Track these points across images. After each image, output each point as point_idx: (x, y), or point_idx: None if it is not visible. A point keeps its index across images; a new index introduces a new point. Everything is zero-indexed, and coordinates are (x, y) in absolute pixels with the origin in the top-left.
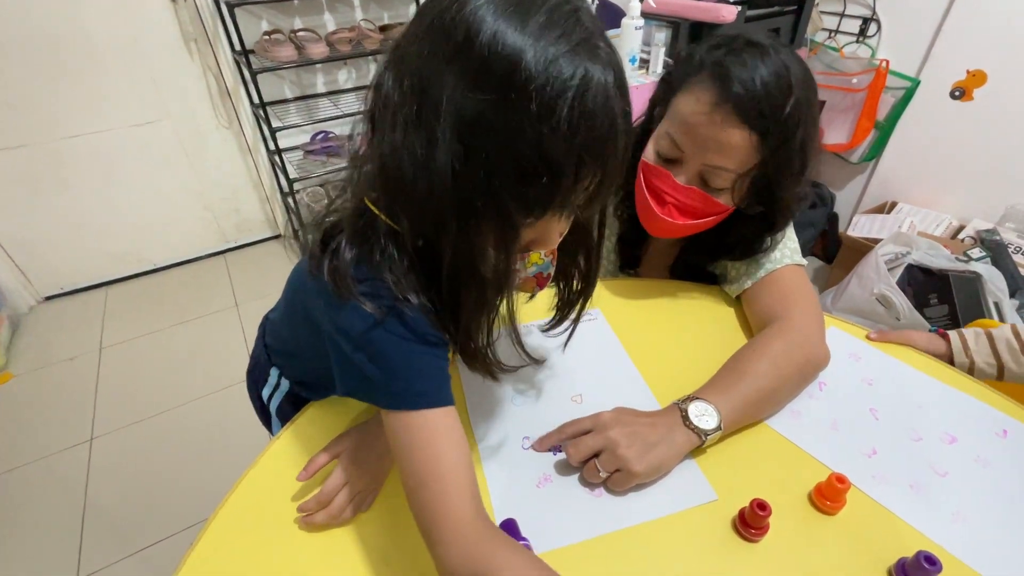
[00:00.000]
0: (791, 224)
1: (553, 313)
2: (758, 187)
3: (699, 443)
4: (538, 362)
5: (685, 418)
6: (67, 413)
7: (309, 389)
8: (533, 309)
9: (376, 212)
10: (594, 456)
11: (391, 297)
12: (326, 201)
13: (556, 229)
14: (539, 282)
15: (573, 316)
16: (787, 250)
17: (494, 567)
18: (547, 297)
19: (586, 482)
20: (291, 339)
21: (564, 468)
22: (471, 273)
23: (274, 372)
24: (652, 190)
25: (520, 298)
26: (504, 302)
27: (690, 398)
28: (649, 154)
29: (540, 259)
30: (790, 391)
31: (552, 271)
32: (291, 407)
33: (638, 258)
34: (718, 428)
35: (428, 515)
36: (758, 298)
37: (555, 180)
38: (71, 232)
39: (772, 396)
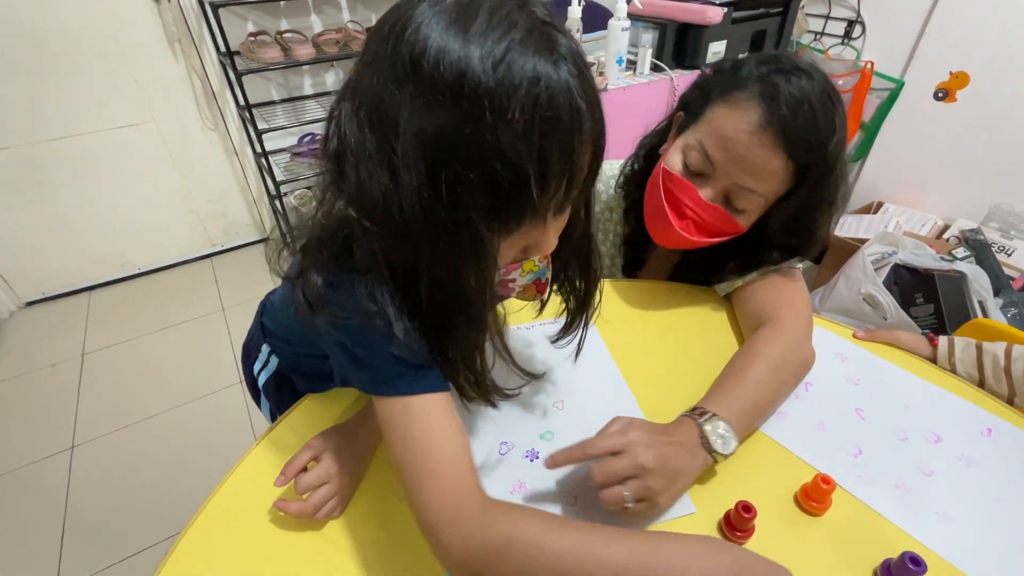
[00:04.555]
0: None
1: (563, 324)
2: (789, 219)
3: (711, 464)
4: (536, 377)
5: (704, 439)
6: (48, 420)
7: (297, 374)
8: (526, 315)
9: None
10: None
11: (367, 301)
12: (315, 204)
13: (548, 232)
14: (539, 288)
15: (579, 325)
16: None
17: (504, 535)
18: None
19: (563, 490)
20: (284, 324)
21: (539, 475)
22: (455, 294)
23: (265, 348)
24: (673, 202)
25: (513, 304)
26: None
27: (704, 413)
28: (675, 164)
29: (535, 265)
30: (786, 395)
31: (549, 275)
32: (275, 386)
33: (643, 261)
34: (734, 451)
35: (433, 502)
36: (751, 298)
37: (522, 184)
38: (53, 236)
39: (774, 403)
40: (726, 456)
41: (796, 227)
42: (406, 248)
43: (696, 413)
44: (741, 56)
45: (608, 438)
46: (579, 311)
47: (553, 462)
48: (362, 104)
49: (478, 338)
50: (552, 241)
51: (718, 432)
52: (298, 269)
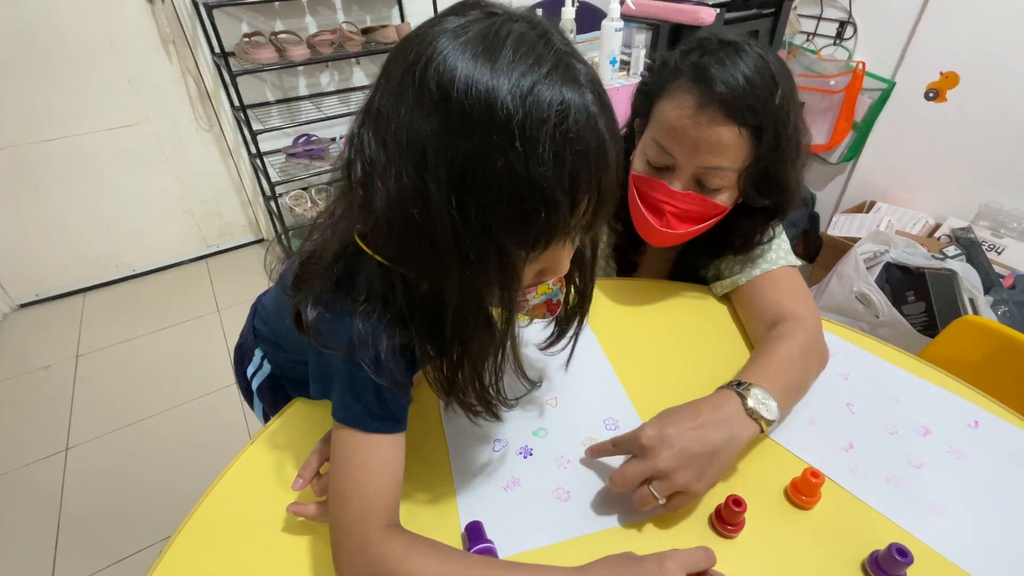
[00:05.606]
0: (781, 225)
1: (551, 330)
2: (759, 180)
3: (758, 435)
4: (537, 386)
5: (746, 406)
6: (42, 422)
7: (288, 380)
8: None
9: (370, 252)
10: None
11: (361, 336)
12: (309, 204)
13: (564, 256)
14: (550, 308)
15: (571, 332)
16: (781, 251)
17: (389, 563)
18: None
19: (557, 487)
20: (277, 330)
21: (533, 472)
22: (477, 315)
23: (258, 353)
24: (648, 202)
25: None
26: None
27: (743, 384)
28: (638, 166)
29: (549, 288)
30: (810, 384)
31: (561, 297)
32: (270, 389)
33: (635, 264)
34: (777, 417)
35: (341, 529)
36: (758, 296)
37: (552, 211)
38: (47, 238)
39: (804, 386)
40: (771, 422)
41: (767, 186)
42: (433, 272)
43: (734, 384)
44: (666, 52)
45: (624, 440)
46: (571, 319)
47: (591, 452)
48: (388, 132)
49: (495, 356)
50: (566, 264)
51: (758, 399)
52: (295, 287)
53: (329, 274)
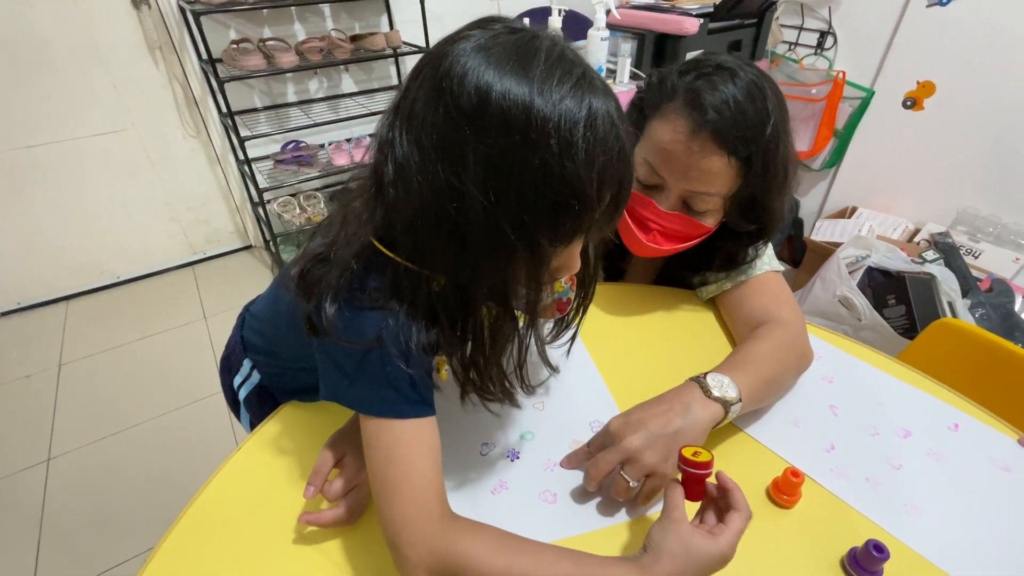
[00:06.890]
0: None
1: (552, 324)
2: (745, 205)
3: (722, 416)
4: (557, 371)
5: (705, 390)
6: (23, 433)
7: (279, 389)
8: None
9: (391, 255)
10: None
11: (390, 330)
12: (297, 211)
13: (575, 252)
14: (560, 308)
15: (577, 321)
16: (765, 257)
17: (460, 555)
18: None
19: (543, 490)
20: (271, 337)
21: (520, 475)
22: (504, 308)
23: (247, 363)
24: (636, 217)
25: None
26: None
27: (704, 374)
28: None
29: (561, 286)
30: (789, 381)
31: (572, 295)
32: (258, 400)
33: (622, 272)
34: (739, 400)
35: (397, 520)
36: (744, 301)
37: (583, 205)
38: (29, 245)
39: (777, 380)
40: (731, 401)
41: (752, 212)
42: (462, 268)
43: (694, 376)
44: (664, 68)
45: (593, 439)
46: (580, 300)
47: (567, 463)
48: (423, 135)
49: (519, 347)
50: (578, 261)
51: (716, 380)
52: (307, 290)
53: (346, 273)
